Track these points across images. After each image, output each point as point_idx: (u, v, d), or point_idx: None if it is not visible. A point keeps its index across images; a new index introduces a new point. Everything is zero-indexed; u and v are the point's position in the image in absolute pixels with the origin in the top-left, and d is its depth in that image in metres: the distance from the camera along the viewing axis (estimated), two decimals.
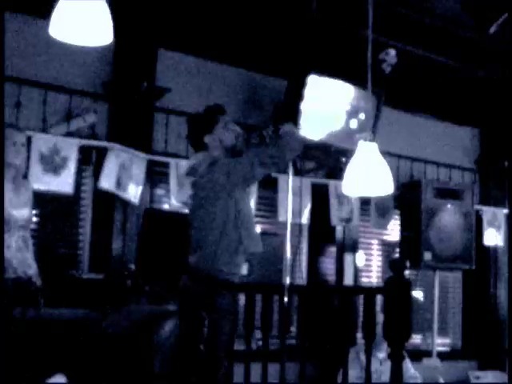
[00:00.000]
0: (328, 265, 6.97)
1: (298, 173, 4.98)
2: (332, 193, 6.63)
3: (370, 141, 4.48)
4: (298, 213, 5.98)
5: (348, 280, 6.97)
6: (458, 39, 6.02)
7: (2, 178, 3.73)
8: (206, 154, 3.80)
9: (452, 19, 5.80)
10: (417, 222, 6.58)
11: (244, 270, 3.96)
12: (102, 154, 5.47)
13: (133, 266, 4.97)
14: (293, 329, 5.74)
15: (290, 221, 4.32)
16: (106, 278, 5.03)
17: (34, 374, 3.77)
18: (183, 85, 6.13)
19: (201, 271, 3.66)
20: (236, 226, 3.67)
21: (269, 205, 6.46)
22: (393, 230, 7.31)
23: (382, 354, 5.65)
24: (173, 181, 5.73)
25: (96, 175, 5.49)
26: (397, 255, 7.15)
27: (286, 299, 4.16)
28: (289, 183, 4.25)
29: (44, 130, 5.34)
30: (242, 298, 5.18)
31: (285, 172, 5.85)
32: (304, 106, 5.56)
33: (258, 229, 4.81)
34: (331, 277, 6.95)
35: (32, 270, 4.11)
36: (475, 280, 7.65)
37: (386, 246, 7.58)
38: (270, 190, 6.29)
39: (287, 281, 4.25)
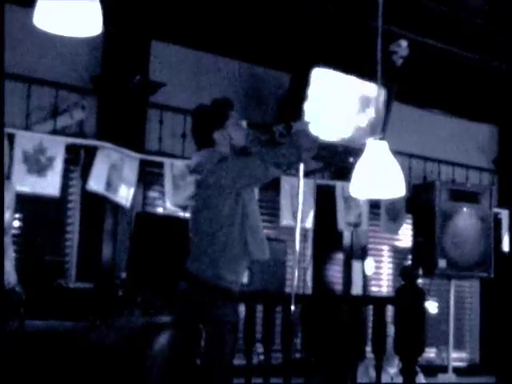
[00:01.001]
0: (335, 273, 6.96)
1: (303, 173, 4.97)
2: (339, 195, 6.63)
3: (380, 139, 4.48)
4: (302, 216, 5.97)
5: (356, 289, 6.97)
6: (475, 29, 6.01)
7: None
8: (213, 150, 3.77)
9: (468, 8, 5.79)
10: (430, 227, 6.57)
11: (244, 278, 3.94)
12: (91, 153, 5.47)
13: (124, 275, 4.95)
14: (297, 342, 5.73)
15: (299, 225, 4.30)
16: (95, 288, 5.02)
17: None
18: (179, 79, 6.13)
19: (201, 278, 3.65)
20: (242, 230, 3.64)
21: (270, 208, 6.45)
22: (404, 236, 7.30)
23: (393, 369, 5.64)
24: (167, 182, 5.73)
25: (84, 176, 5.48)
26: (409, 262, 7.14)
27: (291, 309, 4.15)
28: (300, 185, 4.22)
29: (28, 128, 5.34)
30: (241, 309, 5.19)
31: (287, 173, 5.86)
32: (308, 101, 5.56)
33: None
34: (338, 286, 6.94)
35: (12, 278, 4.10)
36: (494, 289, 7.63)
37: (398, 253, 7.58)
38: (271, 191, 6.28)
39: (293, 290, 4.23)
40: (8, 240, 4.21)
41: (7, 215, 4.18)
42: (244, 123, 3.84)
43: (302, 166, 4.18)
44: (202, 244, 3.66)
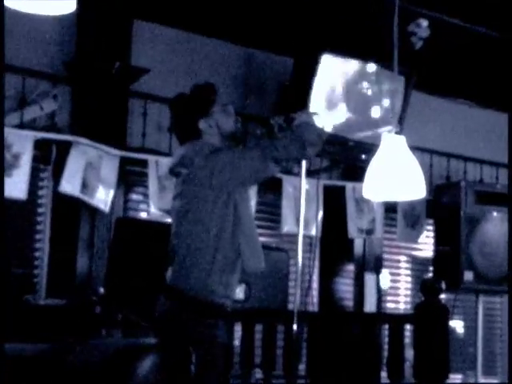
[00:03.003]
0: (345, 287, 6.97)
1: (308, 172, 4.98)
2: (349, 197, 6.63)
3: (397, 133, 4.49)
4: (307, 222, 5.98)
5: (369, 306, 6.97)
6: (506, 6, 6.01)
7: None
8: (202, 141, 3.77)
9: None
10: (455, 234, 6.57)
11: (240, 293, 3.94)
12: (64, 149, 5.47)
13: (102, 290, 4.96)
14: (301, 366, 5.74)
15: (301, 232, 4.31)
16: (69, 304, 5.02)
17: None
18: (165, 64, 6.13)
19: (187, 293, 3.64)
20: (234, 236, 3.64)
21: (270, 212, 6.46)
22: (425, 244, 7.31)
23: None
24: (152, 183, 5.73)
25: (56, 176, 5.48)
26: (430, 275, 7.15)
27: (294, 329, 4.15)
28: (302, 185, 4.23)
29: None
30: (237, 329, 5.19)
31: (289, 172, 5.86)
32: (315, 90, 5.57)
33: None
34: (348, 302, 6.95)
35: None
36: None
37: (417, 264, 7.58)
38: (272, 194, 6.28)
39: (296, 306, 4.24)
40: None
41: None
42: (231, 108, 3.85)
43: (304, 164, 4.17)
44: (187, 252, 3.65)
